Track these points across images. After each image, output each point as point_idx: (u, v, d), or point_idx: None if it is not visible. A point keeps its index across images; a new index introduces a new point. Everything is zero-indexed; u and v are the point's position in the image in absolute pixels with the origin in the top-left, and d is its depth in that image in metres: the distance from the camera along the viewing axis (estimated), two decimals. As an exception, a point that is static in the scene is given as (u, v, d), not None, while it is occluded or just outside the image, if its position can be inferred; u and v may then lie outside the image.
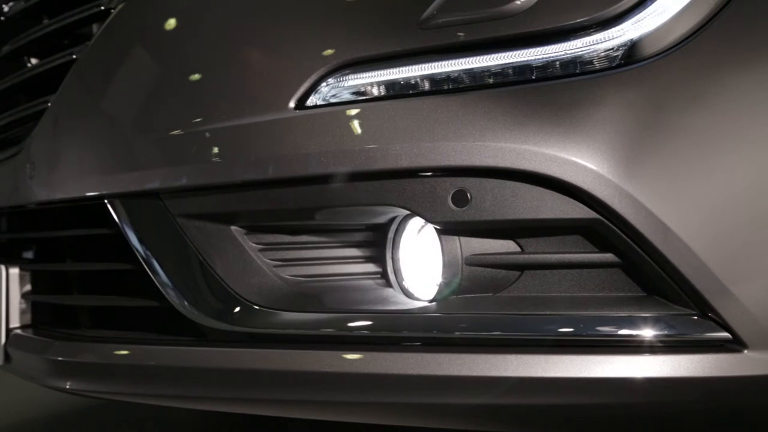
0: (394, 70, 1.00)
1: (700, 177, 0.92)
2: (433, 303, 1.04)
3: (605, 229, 0.94)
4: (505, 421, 1.05)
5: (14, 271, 1.42)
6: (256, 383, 1.08)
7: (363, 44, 1.03)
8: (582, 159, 0.93)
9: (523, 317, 0.99)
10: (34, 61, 1.50)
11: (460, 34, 0.98)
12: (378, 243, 1.10)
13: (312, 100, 1.04)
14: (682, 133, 0.92)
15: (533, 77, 0.96)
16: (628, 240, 0.93)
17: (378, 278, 1.10)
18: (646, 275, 0.95)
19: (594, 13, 0.94)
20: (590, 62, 0.94)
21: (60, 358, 1.26)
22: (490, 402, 0.99)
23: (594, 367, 0.95)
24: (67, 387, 1.26)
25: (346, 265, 1.12)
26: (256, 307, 1.09)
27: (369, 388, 1.03)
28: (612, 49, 0.94)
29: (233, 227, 1.11)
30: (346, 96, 1.02)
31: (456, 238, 1.02)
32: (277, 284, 1.10)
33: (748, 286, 0.92)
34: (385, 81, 1.01)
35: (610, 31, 0.94)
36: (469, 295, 1.02)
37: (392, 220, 1.08)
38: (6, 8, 1.51)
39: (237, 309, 1.10)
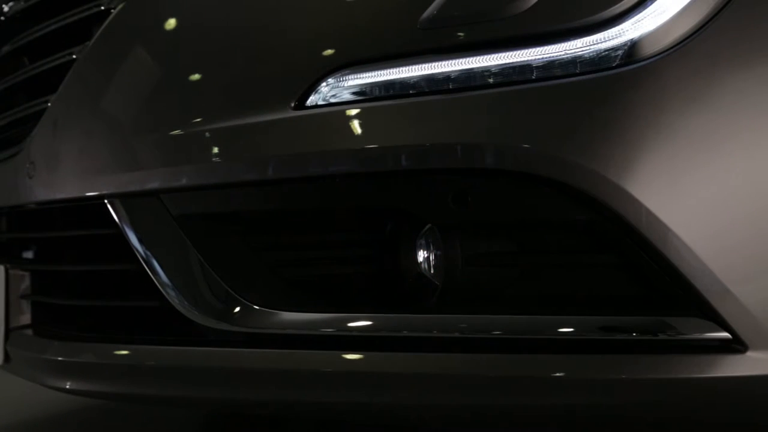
0: (394, 70, 1.00)
1: (700, 177, 0.92)
2: (433, 303, 1.04)
3: (605, 229, 0.94)
4: (505, 421, 1.05)
5: (14, 271, 1.42)
6: (256, 383, 1.08)
7: (363, 44, 1.03)
8: (582, 159, 0.93)
9: (523, 317, 0.99)
10: (34, 61, 1.50)
11: (459, 34, 0.98)
12: (378, 243, 1.10)
13: (312, 100, 1.04)
14: (682, 133, 0.92)
15: (533, 77, 0.96)
16: (628, 240, 0.93)
17: (378, 278, 1.10)
18: (646, 275, 0.95)
19: (594, 13, 0.94)
20: (590, 62, 0.94)
21: (60, 358, 1.26)
22: (489, 402, 0.99)
23: (594, 368, 0.95)
24: (67, 387, 1.26)
25: (346, 265, 1.11)
26: (256, 307, 1.09)
27: (369, 388, 1.03)
28: (612, 49, 0.94)
29: (232, 227, 1.11)
30: (346, 96, 1.02)
31: (456, 238, 1.02)
32: (277, 284, 1.10)
33: (748, 286, 0.92)
34: (385, 81, 1.01)
35: (610, 31, 0.94)
36: (468, 296, 1.02)
37: (392, 220, 1.08)
38: (6, 8, 1.51)
39: (237, 309, 1.10)
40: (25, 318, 1.43)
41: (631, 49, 0.93)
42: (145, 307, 1.22)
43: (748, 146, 0.92)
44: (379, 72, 1.01)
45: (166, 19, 1.19)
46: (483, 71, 0.97)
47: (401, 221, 1.08)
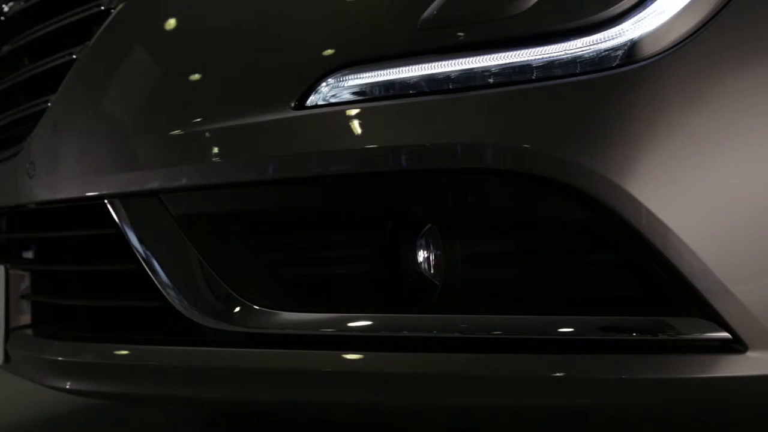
0: (394, 70, 1.00)
1: (700, 177, 0.92)
2: (433, 303, 1.04)
3: (605, 229, 0.94)
4: (505, 421, 1.05)
5: (14, 271, 1.42)
6: (256, 383, 1.08)
7: (363, 44, 1.03)
8: (582, 159, 0.93)
9: (523, 317, 0.99)
10: (34, 61, 1.50)
11: (459, 34, 0.98)
12: (378, 243, 1.10)
13: (312, 100, 1.04)
14: (682, 132, 0.92)
15: (533, 77, 0.96)
16: (628, 240, 0.93)
17: (378, 278, 1.10)
18: (646, 275, 0.95)
19: (594, 13, 0.94)
20: (590, 62, 0.94)
21: (60, 358, 1.26)
22: (490, 402, 0.99)
23: (594, 368, 0.95)
24: (67, 387, 1.26)
25: (346, 265, 1.11)
26: (256, 307, 1.09)
27: (369, 388, 1.03)
28: (612, 49, 0.94)
29: (233, 227, 1.11)
30: (346, 96, 1.02)
31: (456, 238, 1.02)
32: (277, 284, 1.10)
33: (748, 286, 0.92)
34: (385, 81, 1.01)
35: (610, 31, 0.94)
36: (468, 296, 1.02)
37: (392, 220, 1.08)
38: (6, 8, 1.51)
39: (237, 309, 1.10)
40: (25, 318, 1.43)
41: (631, 49, 0.93)
42: (145, 307, 1.22)
43: (748, 146, 0.92)
44: (379, 72, 1.01)
45: (166, 19, 1.19)
46: (483, 71, 0.97)
47: (401, 221, 1.08)
